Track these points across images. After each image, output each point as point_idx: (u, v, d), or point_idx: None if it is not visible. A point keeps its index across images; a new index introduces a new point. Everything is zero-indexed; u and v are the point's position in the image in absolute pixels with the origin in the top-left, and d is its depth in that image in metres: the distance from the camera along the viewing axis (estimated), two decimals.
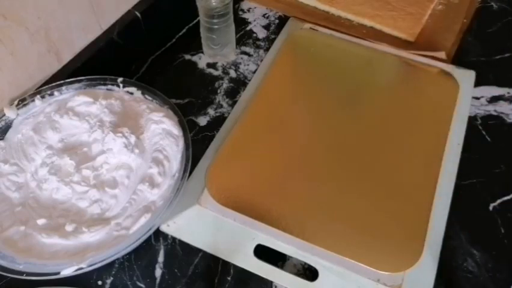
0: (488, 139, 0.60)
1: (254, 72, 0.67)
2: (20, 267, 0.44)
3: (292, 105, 0.61)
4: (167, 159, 0.52)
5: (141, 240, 0.47)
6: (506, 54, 0.69)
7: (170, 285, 0.48)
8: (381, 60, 0.66)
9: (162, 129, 0.54)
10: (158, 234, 0.51)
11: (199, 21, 0.66)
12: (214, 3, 0.62)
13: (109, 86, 0.59)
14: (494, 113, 0.63)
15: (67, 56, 0.60)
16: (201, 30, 0.67)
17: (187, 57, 0.69)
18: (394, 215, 0.51)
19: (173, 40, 0.72)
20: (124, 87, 0.59)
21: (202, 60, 0.69)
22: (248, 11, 0.77)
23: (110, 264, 0.49)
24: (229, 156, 0.55)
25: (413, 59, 0.67)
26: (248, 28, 0.74)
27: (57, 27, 0.56)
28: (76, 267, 0.44)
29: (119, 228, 0.48)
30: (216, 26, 0.64)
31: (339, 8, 0.74)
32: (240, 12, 0.76)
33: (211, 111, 0.63)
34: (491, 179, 0.56)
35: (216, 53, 0.68)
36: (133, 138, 0.52)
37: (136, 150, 0.52)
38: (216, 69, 0.68)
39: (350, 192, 0.53)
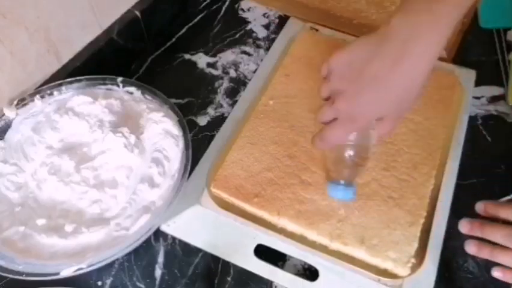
0: (489, 139, 0.60)
1: (254, 71, 0.67)
2: (20, 268, 0.44)
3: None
4: (167, 159, 0.52)
5: (141, 241, 0.46)
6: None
7: (170, 286, 0.48)
8: None
9: (162, 129, 0.54)
10: (158, 234, 0.51)
11: (199, 20, 0.66)
12: None
13: (109, 86, 0.58)
14: (495, 113, 0.63)
15: (67, 56, 0.59)
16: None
17: (187, 56, 0.69)
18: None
19: (173, 40, 0.71)
20: (123, 87, 0.59)
21: (202, 60, 0.69)
22: (248, 10, 0.76)
23: (110, 265, 0.48)
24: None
25: None
26: (248, 27, 0.74)
27: (56, 27, 0.56)
28: (75, 268, 0.44)
29: (118, 229, 0.47)
30: None
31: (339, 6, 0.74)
32: (240, 12, 0.76)
33: (211, 111, 0.63)
34: (491, 179, 0.56)
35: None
36: (132, 138, 0.52)
37: (136, 150, 0.52)
38: (216, 68, 0.68)
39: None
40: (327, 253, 0.48)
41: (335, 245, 0.49)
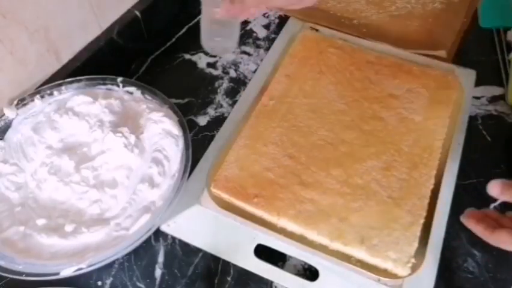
0: (489, 139, 0.60)
1: (254, 71, 0.67)
2: (20, 268, 0.44)
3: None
4: (167, 159, 0.52)
5: (141, 241, 0.47)
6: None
7: (170, 286, 0.48)
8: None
9: (162, 129, 0.54)
10: (158, 234, 0.51)
11: (199, 20, 0.66)
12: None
13: (109, 86, 0.58)
14: (495, 113, 0.63)
15: (67, 56, 0.59)
16: (202, 20, 0.64)
17: (187, 56, 0.69)
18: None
19: (173, 40, 0.71)
20: (123, 87, 0.58)
21: (202, 60, 0.69)
22: None
23: (110, 265, 0.48)
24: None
25: (414, 58, 0.67)
26: (248, 27, 0.74)
27: (56, 27, 0.56)
28: (75, 268, 0.44)
29: (118, 229, 0.47)
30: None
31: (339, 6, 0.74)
32: None
33: (211, 111, 0.63)
34: (491, 179, 0.56)
35: (216, 45, 0.62)
36: (132, 138, 0.52)
37: (136, 150, 0.52)
38: (216, 68, 0.68)
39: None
40: (327, 253, 0.48)
41: (335, 245, 0.49)
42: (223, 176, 0.53)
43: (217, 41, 0.62)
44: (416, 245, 0.48)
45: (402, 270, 0.47)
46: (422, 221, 0.50)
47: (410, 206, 0.51)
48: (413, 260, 0.47)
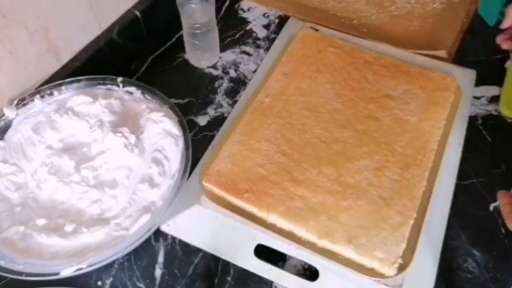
0: (489, 139, 0.60)
1: (254, 71, 0.67)
2: (20, 268, 0.44)
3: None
4: (167, 159, 0.52)
5: (141, 241, 0.47)
6: (507, 54, 0.69)
7: (170, 286, 0.48)
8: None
9: (162, 129, 0.54)
10: (158, 234, 0.51)
11: None
12: (198, 21, 0.62)
13: (109, 86, 0.58)
14: (495, 113, 0.63)
15: (67, 56, 0.59)
16: (184, 34, 0.66)
17: (187, 56, 0.69)
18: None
19: (173, 40, 0.71)
20: (123, 87, 0.59)
21: None
22: (248, 10, 0.76)
23: (110, 265, 0.49)
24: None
25: (414, 58, 0.67)
26: (248, 27, 0.74)
27: (56, 27, 0.56)
28: (75, 268, 0.44)
29: (118, 229, 0.47)
30: (198, 31, 0.63)
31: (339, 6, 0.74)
32: (240, 12, 0.76)
33: (211, 111, 0.63)
34: (491, 179, 0.56)
35: (198, 57, 0.67)
36: (132, 138, 0.52)
37: (136, 150, 0.52)
38: (216, 68, 0.68)
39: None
40: (315, 251, 0.48)
41: (323, 243, 0.49)
42: (215, 170, 0.54)
43: (198, 53, 0.66)
44: (404, 245, 0.48)
45: (388, 270, 0.47)
46: (411, 222, 0.50)
47: (400, 207, 0.51)
48: (400, 261, 0.47)
